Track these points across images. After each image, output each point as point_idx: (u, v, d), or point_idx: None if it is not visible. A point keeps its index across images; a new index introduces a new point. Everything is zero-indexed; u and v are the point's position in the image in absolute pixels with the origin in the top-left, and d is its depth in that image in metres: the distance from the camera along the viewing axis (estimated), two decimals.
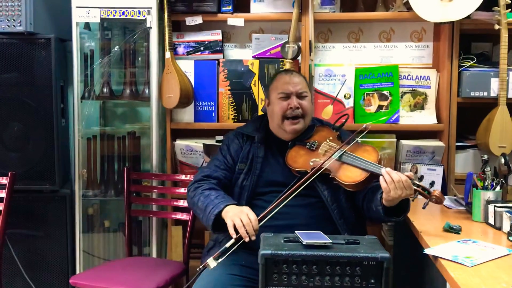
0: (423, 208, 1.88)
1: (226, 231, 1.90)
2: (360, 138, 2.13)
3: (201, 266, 1.90)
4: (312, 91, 2.69)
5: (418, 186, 1.89)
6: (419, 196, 1.91)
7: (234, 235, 1.86)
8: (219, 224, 1.95)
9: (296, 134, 2.17)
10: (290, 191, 1.99)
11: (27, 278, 2.71)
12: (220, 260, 1.86)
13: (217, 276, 1.91)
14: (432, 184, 1.92)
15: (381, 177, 1.87)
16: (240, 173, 2.16)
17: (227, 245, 1.87)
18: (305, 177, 2.00)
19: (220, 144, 2.36)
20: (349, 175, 1.98)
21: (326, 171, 2.02)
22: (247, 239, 1.84)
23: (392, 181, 1.84)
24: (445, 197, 2.44)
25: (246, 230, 1.84)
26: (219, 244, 2.07)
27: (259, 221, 1.90)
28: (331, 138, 2.14)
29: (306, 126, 2.19)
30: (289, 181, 2.06)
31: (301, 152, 2.14)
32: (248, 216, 1.87)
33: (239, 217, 1.87)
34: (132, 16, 2.63)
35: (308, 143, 2.15)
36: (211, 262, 1.85)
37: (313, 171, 2.01)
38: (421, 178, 1.91)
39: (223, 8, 2.70)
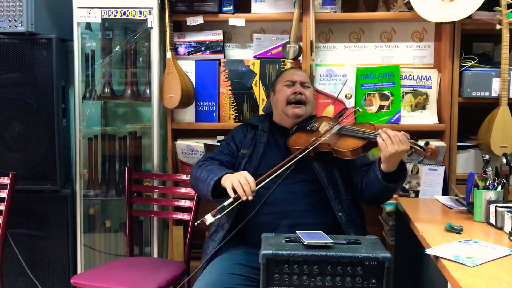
0: (419, 163, 1.95)
1: (225, 196, 1.97)
2: None
3: (198, 221, 1.98)
4: (314, 91, 2.69)
5: (414, 143, 1.97)
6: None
7: (232, 195, 1.94)
8: (219, 193, 2.02)
9: (297, 118, 2.26)
10: (290, 157, 2.08)
11: (32, 277, 2.71)
12: (217, 216, 1.96)
13: (217, 275, 1.91)
14: (426, 143, 2.00)
15: (377, 137, 1.96)
16: (243, 157, 2.24)
17: (225, 203, 1.95)
18: (305, 146, 2.09)
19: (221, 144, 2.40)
20: (348, 144, 2.07)
21: (325, 146, 2.10)
22: (244, 198, 1.93)
23: (388, 137, 1.93)
24: (447, 197, 2.46)
25: (244, 190, 1.92)
26: (221, 227, 2.10)
27: (257, 184, 1.98)
28: (330, 122, 2.24)
29: (308, 114, 2.30)
30: None
31: (302, 135, 2.23)
32: (246, 178, 1.96)
33: (237, 179, 1.96)
34: (133, 16, 2.63)
35: (308, 127, 2.24)
36: (209, 218, 1.95)
37: (312, 141, 2.11)
38: (416, 140, 1.99)
39: (224, 8, 2.70)
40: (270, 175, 2.04)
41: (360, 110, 2.20)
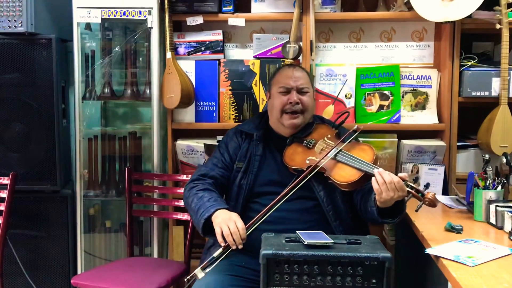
0: (416, 211, 1.84)
1: (215, 235, 1.90)
2: (361, 138, 2.12)
3: (188, 277, 1.89)
4: (313, 91, 2.69)
5: (412, 188, 1.84)
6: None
7: (222, 243, 1.86)
8: (210, 227, 1.94)
9: (294, 128, 2.15)
10: (284, 192, 1.98)
11: (28, 279, 2.72)
12: (207, 270, 1.87)
13: (217, 276, 1.90)
14: (427, 186, 1.88)
15: (373, 178, 1.83)
16: (238, 171, 2.14)
17: (215, 254, 1.87)
18: (300, 177, 1.99)
19: None
20: (343, 175, 1.96)
21: (321, 169, 2.01)
22: (234, 247, 1.85)
23: (384, 183, 1.80)
24: (447, 197, 2.46)
25: (233, 239, 1.85)
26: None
27: (247, 229, 1.90)
28: (329, 136, 2.12)
29: (306, 122, 2.17)
30: (286, 180, 2.05)
31: (298, 150, 2.12)
32: (235, 224, 1.87)
33: (227, 225, 1.86)
34: (133, 16, 2.63)
35: (305, 141, 2.13)
36: (199, 273, 1.86)
37: (307, 170, 2.00)
38: (415, 180, 1.88)
39: (224, 8, 2.70)
40: (261, 218, 1.94)
41: (361, 128, 2.09)
